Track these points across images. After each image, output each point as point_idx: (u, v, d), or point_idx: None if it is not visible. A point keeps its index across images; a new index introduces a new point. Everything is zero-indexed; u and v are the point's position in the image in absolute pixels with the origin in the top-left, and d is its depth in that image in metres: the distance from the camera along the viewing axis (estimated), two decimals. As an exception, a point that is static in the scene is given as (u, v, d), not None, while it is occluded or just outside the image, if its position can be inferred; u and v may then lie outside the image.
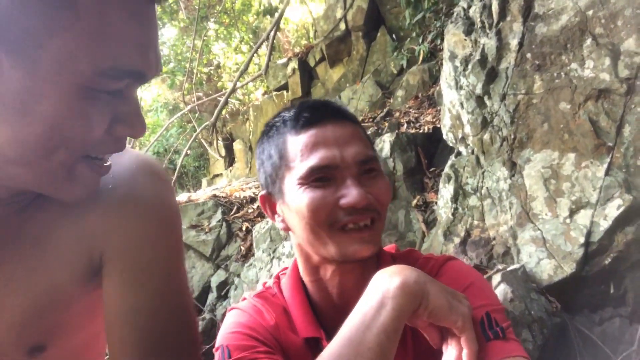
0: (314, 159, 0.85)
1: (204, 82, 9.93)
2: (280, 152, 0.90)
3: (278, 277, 1.02)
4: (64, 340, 0.71)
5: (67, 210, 0.68)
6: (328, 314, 0.94)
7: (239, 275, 3.62)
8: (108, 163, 0.66)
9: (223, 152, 8.84)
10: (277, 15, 4.43)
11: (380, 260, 0.96)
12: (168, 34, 10.14)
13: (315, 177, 0.85)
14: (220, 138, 9.00)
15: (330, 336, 0.75)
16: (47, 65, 0.52)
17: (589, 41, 2.06)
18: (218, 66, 10.69)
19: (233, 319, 0.92)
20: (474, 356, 0.73)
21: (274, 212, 0.96)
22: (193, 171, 10.43)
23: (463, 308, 0.75)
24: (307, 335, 0.90)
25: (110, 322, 0.68)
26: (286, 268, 1.03)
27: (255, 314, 0.92)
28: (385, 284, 0.73)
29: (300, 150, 0.87)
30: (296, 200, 0.87)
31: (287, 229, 0.94)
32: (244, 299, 0.99)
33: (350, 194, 0.83)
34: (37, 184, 0.62)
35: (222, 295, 3.62)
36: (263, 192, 0.97)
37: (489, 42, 2.46)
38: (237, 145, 8.54)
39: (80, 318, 0.73)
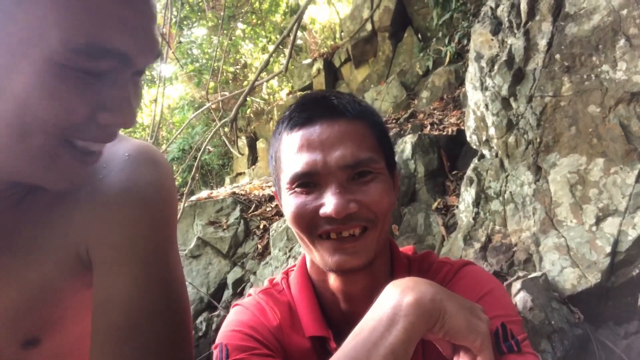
0: (297, 165, 0.80)
1: (229, 81, 10.01)
2: (276, 153, 0.88)
3: (287, 273, 0.99)
4: (58, 334, 0.70)
5: (58, 204, 0.66)
6: (336, 313, 0.90)
7: (255, 273, 3.61)
8: (96, 152, 0.63)
9: (246, 150, 8.92)
10: (298, 12, 4.40)
11: (395, 262, 0.92)
12: (197, 33, 10.26)
13: (299, 183, 0.81)
14: (243, 136, 9.07)
15: (338, 337, 0.71)
16: (16, 38, 0.50)
17: (622, 42, 1.97)
18: (245, 66, 10.75)
19: (235, 317, 0.89)
20: None
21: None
22: (217, 169, 10.51)
23: (482, 326, 0.69)
24: (314, 334, 0.86)
25: (94, 310, 0.65)
26: (295, 265, 0.99)
27: (258, 312, 0.89)
28: (398, 299, 0.66)
29: (288, 153, 0.83)
30: (284, 205, 0.85)
31: None
32: (249, 295, 0.96)
33: (329, 203, 0.77)
34: (17, 171, 0.59)
35: (238, 293, 3.62)
36: (274, 189, 0.96)
37: (516, 42, 2.38)
38: (261, 144, 8.60)
39: (75, 313, 0.71)
